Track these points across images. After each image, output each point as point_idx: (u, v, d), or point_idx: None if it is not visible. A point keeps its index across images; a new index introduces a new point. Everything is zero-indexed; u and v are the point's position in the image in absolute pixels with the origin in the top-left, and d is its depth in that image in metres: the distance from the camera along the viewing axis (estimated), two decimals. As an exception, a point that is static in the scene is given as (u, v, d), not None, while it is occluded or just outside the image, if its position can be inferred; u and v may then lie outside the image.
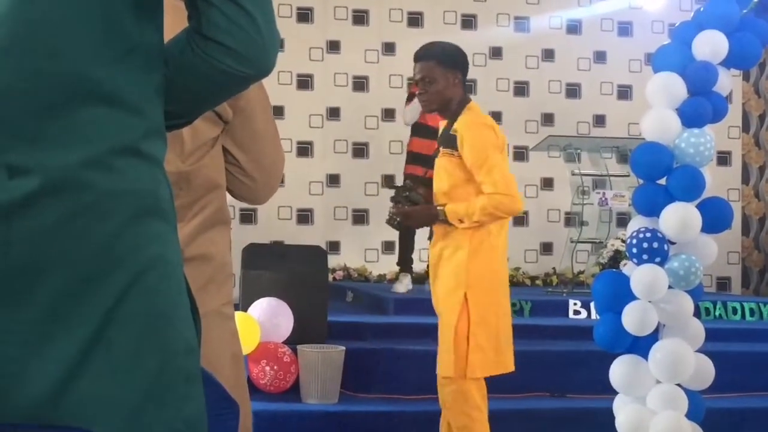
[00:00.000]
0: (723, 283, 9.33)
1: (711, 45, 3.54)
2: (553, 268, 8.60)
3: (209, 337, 1.73)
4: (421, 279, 7.58)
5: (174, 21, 1.31)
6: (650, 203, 3.55)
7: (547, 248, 8.92)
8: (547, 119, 9.00)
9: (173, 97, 1.22)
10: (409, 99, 6.67)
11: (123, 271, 1.10)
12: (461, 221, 3.58)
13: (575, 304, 5.81)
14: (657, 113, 3.58)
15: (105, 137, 1.12)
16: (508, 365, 3.78)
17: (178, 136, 1.68)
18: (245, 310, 4.74)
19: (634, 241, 3.49)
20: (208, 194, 1.76)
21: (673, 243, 3.52)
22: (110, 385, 1.08)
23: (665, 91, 3.56)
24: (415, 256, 7.41)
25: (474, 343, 3.58)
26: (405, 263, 7.07)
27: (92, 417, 1.07)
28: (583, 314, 5.73)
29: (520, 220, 8.92)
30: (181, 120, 1.29)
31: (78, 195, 1.09)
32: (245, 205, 4.07)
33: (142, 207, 1.13)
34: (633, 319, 3.44)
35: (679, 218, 3.46)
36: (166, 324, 1.13)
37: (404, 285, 6.94)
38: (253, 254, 5.15)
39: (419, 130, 6.74)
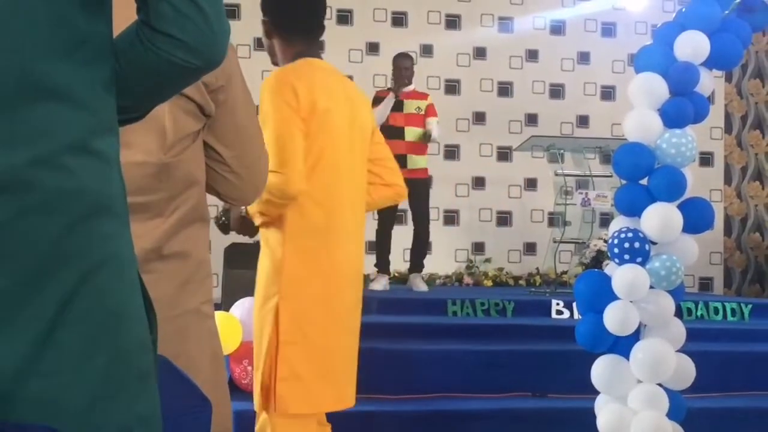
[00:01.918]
0: (705, 284, 9.38)
1: (693, 46, 3.55)
2: (537, 269, 8.63)
3: (188, 337, 1.72)
4: (404, 279, 7.61)
5: (127, 14, 1.30)
6: (632, 203, 3.56)
7: (530, 248, 8.94)
8: (531, 119, 9.02)
9: (124, 91, 1.21)
10: (375, 102, 6.69)
11: (72, 271, 1.09)
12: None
13: (558, 304, 5.82)
14: (639, 114, 3.59)
15: (53, 135, 1.09)
16: (346, 399, 2.97)
17: (161, 129, 1.68)
18: (227, 309, 4.73)
19: (616, 241, 3.50)
20: (188, 190, 1.75)
21: (654, 243, 3.53)
22: (60, 385, 1.07)
23: (647, 91, 3.57)
24: (398, 257, 7.44)
25: (286, 369, 2.80)
26: (382, 265, 7.10)
27: (42, 417, 1.06)
28: (566, 314, 5.74)
29: (504, 220, 8.95)
30: (133, 114, 1.28)
31: (25, 195, 1.07)
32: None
33: (91, 206, 1.11)
34: (614, 319, 3.44)
35: (660, 218, 3.47)
36: (117, 322, 1.12)
37: (381, 284, 6.98)
38: (236, 253, 5.14)
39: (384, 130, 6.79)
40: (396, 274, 7.82)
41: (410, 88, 7.13)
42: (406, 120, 7.03)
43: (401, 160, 6.93)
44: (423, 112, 7.10)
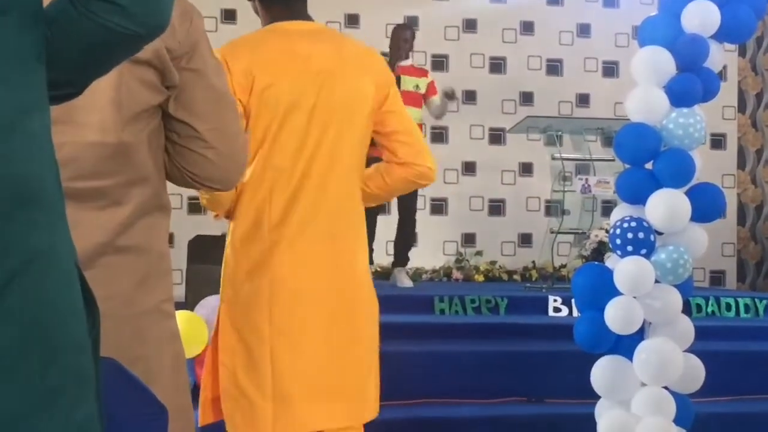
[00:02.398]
0: (717, 278, 9.43)
1: (701, 17, 3.56)
2: (533, 262, 8.65)
3: (147, 339, 1.71)
4: (387, 273, 7.60)
5: None
6: (635, 190, 3.58)
7: (525, 240, 8.96)
8: (526, 98, 9.03)
9: (58, 63, 1.20)
10: None
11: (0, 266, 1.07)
12: None
13: (555, 300, 5.84)
14: (643, 91, 3.60)
15: None
16: (308, 422, 2.74)
17: (114, 102, 1.66)
18: (191, 308, 4.72)
19: (618, 232, 3.51)
20: (148, 174, 1.74)
21: (660, 233, 3.55)
22: None
23: (652, 67, 3.58)
24: (380, 250, 7.44)
25: (224, 381, 2.72)
26: None
27: None
28: (564, 312, 5.76)
29: (496, 209, 8.96)
30: (69, 90, 1.26)
31: None
32: (193, 193, 4.02)
33: (22, 193, 1.10)
34: (616, 316, 3.46)
35: (666, 206, 3.48)
36: (51, 321, 1.11)
37: None
38: (200, 247, 5.13)
39: None
40: (378, 269, 7.83)
41: (407, 62, 7.15)
42: (403, 99, 7.01)
43: None
44: (423, 91, 7.10)
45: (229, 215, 2.79)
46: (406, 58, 7.13)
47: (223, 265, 2.80)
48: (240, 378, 2.70)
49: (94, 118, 1.63)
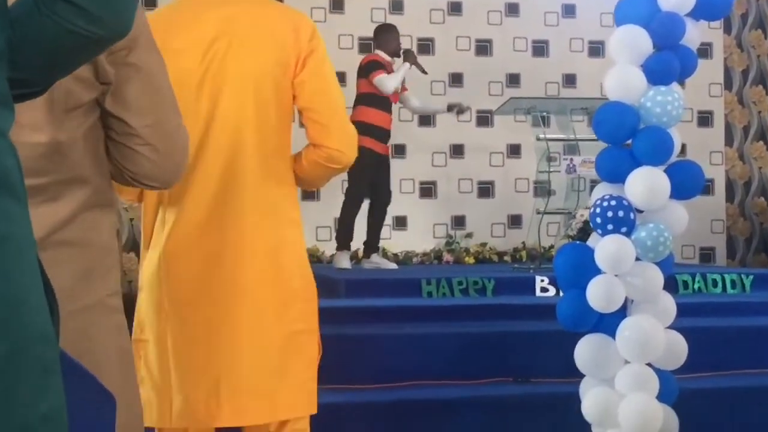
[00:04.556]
0: (707, 255, 9.45)
1: (677, -6, 3.55)
2: (523, 243, 8.65)
3: (93, 332, 1.70)
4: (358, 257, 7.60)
5: None
6: (615, 168, 3.58)
7: (515, 221, 8.97)
8: (513, 80, 9.02)
9: (22, 64, 1.20)
10: (376, 68, 6.81)
11: None
12: None
13: (542, 281, 5.84)
14: (620, 70, 3.60)
15: None
16: (206, 418, 2.63)
17: (48, 101, 1.64)
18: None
19: (598, 210, 3.51)
20: (85, 172, 1.72)
21: (640, 211, 3.55)
22: None
23: (629, 45, 3.58)
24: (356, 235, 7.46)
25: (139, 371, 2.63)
26: (341, 240, 7.17)
27: None
28: (552, 292, 5.76)
29: (486, 191, 8.96)
30: (33, 89, 1.27)
31: None
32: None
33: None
34: (598, 294, 3.47)
35: (645, 184, 3.48)
36: (15, 310, 1.10)
37: (343, 262, 7.04)
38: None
39: (373, 99, 6.88)
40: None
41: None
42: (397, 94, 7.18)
43: (386, 135, 6.98)
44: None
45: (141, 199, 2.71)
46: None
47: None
48: (142, 367, 2.64)
49: (25, 117, 1.60)
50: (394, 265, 7.24)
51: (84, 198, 1.71)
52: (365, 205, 7.20)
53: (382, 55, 7.12)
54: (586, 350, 3.57)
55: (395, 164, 7.71)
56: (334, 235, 7.78)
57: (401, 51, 7.22)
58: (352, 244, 7.17)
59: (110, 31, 1.20)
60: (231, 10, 2.65)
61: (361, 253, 7.37)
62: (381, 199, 7.19)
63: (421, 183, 8.80)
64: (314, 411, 2.75)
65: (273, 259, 2.67)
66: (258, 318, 2.64)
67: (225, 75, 2.61)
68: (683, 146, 8.76)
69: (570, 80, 9.13)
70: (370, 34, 7.34)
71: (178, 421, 2.62)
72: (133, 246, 8.26)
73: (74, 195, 1.70)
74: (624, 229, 3.48)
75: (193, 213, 2.61)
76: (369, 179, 6.90)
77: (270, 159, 2.67)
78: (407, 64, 7.11)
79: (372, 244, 7.29)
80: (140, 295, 2.70)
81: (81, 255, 1.70)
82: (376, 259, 7.27)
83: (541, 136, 7.05)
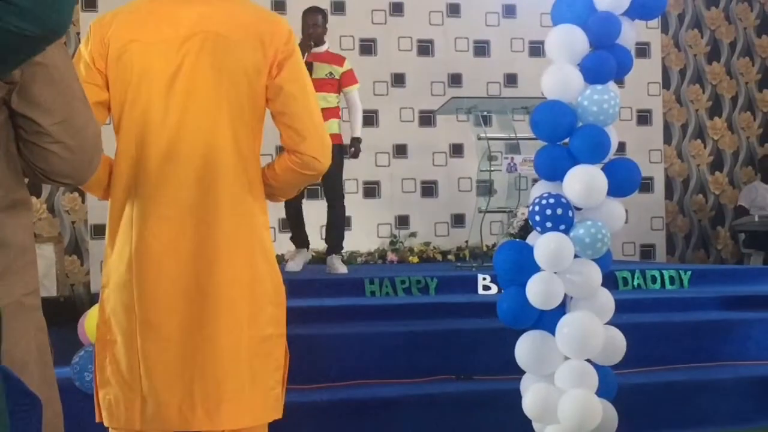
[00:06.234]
0: (647, 251, 9.56)
1: (612, -6, 3.59)
2: (466, 242, 8.68)
3: (8, 334, 1.68)
4: (323, 258, 7.53)
5: None
6: (553, 167, 3.60)
7: (458, 220, 9.01)
8: (455, 80, 9.06)
9: None
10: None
11: None
12: None
13: (485, 279, 5.87)
14: (557, 69, 3.63)
15: None
16: (172, 422, 2.59)
17: None
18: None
19: (537, 209, 3.53)
20: None
21: (578, 209, 3.58)
22: None
23: (565, 45, 3.61)
24: (315, 234, 7.41)
25: (101, 372, 2.65)
26: (296, 239, 7.10)
27: None
28: (494, 290, 5.79)
29: (429, 190, 8.99)
30: None
31: None
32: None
33: None
34: (538, 291, 3.49)
35: (583, 182, 3.51)
36: None
37: (297, 263, 6.97)
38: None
39: None
40: (314, 254, 7.80)
41: (323, 48, 6.88)
42: (316, 86, 6.89)
43: None
44: (338, 78, 6.86)
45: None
46: (318, 44, 6.86)
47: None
48: (108, 367, 2.61)
49: None
50: (344, 271, 6.96)
51: None
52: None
53: None
54: (526, 347, 3.59)
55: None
56: (277, 235, 7.75)
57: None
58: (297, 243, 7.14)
59: (45, 29, 1.18)
60: (207, 8, 2.61)
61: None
62: (329, 195, 7.04)
63: (365, 183, 8.81)
64: (280, 416, 2.70)
65: (249, 261, 2.61)
66: (234, 321, 2.58)
67: (198, 72, 2.57)
68: (623, 144, 8.93)
69: (511, 80, 9.19)
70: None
71: (149, 425, 2.57)
72: (74, 250, 8.16)
73: None
74: (563, 227, 3.51)
75: (167, 211, 2.56)
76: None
77: (244, 160, 2.62)
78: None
79: (331, 244, 7.10)
80: (104, 292, 2.63)
81: None
82: (330, 262, 7.07)
83: (483, 135, 7.08)
